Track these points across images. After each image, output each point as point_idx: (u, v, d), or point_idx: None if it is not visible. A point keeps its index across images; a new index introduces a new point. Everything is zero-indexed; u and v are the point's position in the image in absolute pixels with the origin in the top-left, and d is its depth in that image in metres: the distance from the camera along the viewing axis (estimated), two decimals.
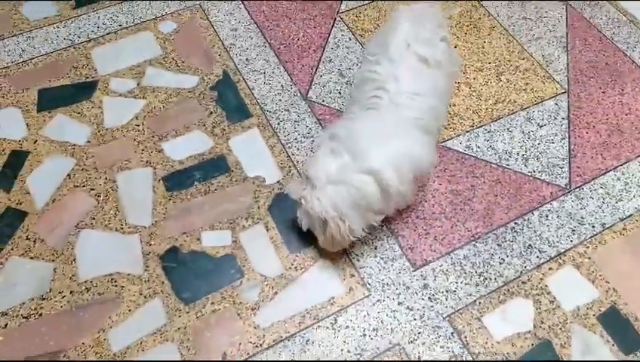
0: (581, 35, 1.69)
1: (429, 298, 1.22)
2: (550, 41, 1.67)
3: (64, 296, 1.18)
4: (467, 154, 1.44)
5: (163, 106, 1.48)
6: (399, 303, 1.21)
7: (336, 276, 1.24)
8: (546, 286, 1.24)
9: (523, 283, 1.24)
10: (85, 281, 1.21)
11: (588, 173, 1.41)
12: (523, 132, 1.48)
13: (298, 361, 1.13)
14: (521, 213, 1.35)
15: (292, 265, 1.25)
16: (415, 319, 1.19)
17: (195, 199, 1.34)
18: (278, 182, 1.38)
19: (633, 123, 1.50)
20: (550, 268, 1.26)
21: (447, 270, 1.26)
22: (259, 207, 1.33)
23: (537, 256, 1.28)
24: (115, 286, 1.20)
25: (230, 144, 1.43)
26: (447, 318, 1.19)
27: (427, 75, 1.23)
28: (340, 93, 1.53)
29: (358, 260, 1.27)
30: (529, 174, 1.41)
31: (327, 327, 1.17)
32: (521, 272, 1.26)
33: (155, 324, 1.16)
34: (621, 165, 1.43)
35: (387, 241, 1.30)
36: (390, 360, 1.14)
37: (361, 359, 1.13)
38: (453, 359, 1.14)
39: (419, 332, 1.17)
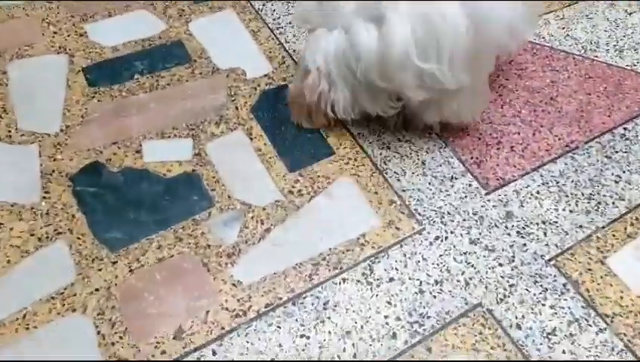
0: None
1: (518, 232, 0.75)
2: None
3: None
4: (538, 44, 1.00)
5: None
6: (472, 241, 0.74)
7: (367, 202, 0.76)
8: None
9: None
10: None
11: None
12: (608, 19, 1.06)
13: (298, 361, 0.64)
14: (631, 115, 0.91)
15: (294, 187, 0.77)
16: (502, 264, 0.72)
17: (135, 96, 0.85)
18: (266, 75, 0.90)
19: None
20: None
21: (538, 192, 0.80)
22: (237, 108, 0.85)
23: None
24: None
25: (191, 28, 0.95)
26: (552, 262, 0.73)
27: None
28: None
29: (399, 180, 0.79)
30: (629, 68, 0.98)
31: (359, 281, 0.69)
32: None
33: (56, 283, 0.66)
34: None
35: (439, 153, 0.83)
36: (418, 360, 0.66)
37: (421, 331, 0.65)
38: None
39: (511, 286, 0.70)
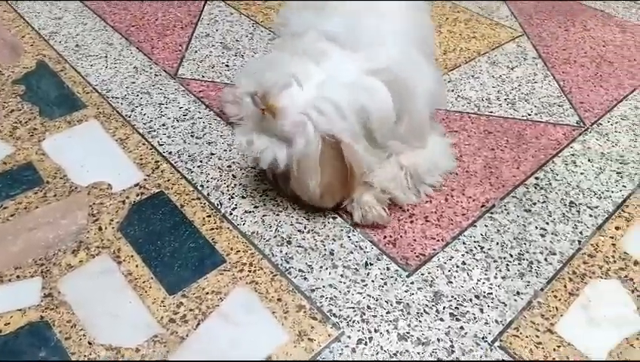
0: None
1: (452, 314, 0.63)
2: None
3: None
4: None
5: None
6: (402, 336, 0.61)
7: (269, 315, 0.62)
8: (626, 253, 0.72)
9: (591, 256, 0.71)
10: None
11: (597, 106, 0.99)
12: (493, 76, 1.06)
13: None
14: (539, 163, 0.86)
15: (176, 313, 0.61)
16: (440, 360, 0.59)
17: None
18: (137, 185, 0.77)
19: (616, 52, 1.15)
20: (617, 227, 0.76)
21: (464, 263, 0.70)
22: (101, 228, 0.70)
23: (590, 215, 0.77)
24: None
25: (45, 146, 0.82)
26: (496, 343, 0.61)
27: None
28: (227, 65, 1.02)
29: (305, 278, 0.66)
30: (524, 118, 0.95)
31: None
32: (580, 242, 0.73)
33: None
34: (631, 92, 1.03)
35: (348, 238, 0.72)
36: None
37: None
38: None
39: None
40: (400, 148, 0.76)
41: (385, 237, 0.72)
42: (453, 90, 1.01)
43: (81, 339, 0.58)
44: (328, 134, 0.66)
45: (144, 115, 0.90)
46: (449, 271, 0.69)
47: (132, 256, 0.67)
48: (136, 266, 0.66)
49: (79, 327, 0.59)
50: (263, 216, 0.74)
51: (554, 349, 0.60)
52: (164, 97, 0.94)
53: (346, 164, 0.69)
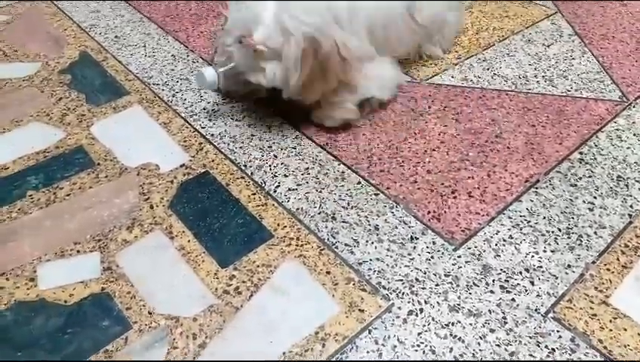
0: None
1: (502, 287, 0.63)
2: None
3: None
4: (468, 87, 0.96)
5: None
6: (452, 308, 0.61)
7: (320, 287, 0.63)
8: None
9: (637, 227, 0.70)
10: None
11: None
12: (529, 54, 1.05)
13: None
14: (582, 139, 0.85)
15: (229, 285, 0.63)
16: (493, 330, 0.59)
17: (28, 216, 0.71)
18: (183, 165, 0.79)
19: None
20: None
21: (511, 236, 0.70)
22: (152, 206, 0.73)
23: (639, 188, 0.76)
24: None
25: (94, 131, 0.85)
26: (550, 314, 0.60)
27: None
28: None
29: (352, 252, 0.67)
30: (564, 95, 0.94)
31: None
32: (630, 216, 0.72)
33: None
34: None
35: (392, 214, 0.72)
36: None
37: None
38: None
39: (511, 354, 0.56)
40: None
41: (429, 212, 0.73)
42: (488, 69, 1.01)
43: (141, 309, 0.60)
44: (303, 32, 0.75)
45: (185, 100, 0.92)
46: (496, 244, 0.69)
47: (183, 232, 0.69)
48: (188, 241, 0.68)
49: (139, 298, 0.61)
50: (306, 193, 0.75)
51: (610, 321, 0.60)
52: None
53: (321, 60, 0.77)
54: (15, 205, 0.72)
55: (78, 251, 0.66)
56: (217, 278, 0.64)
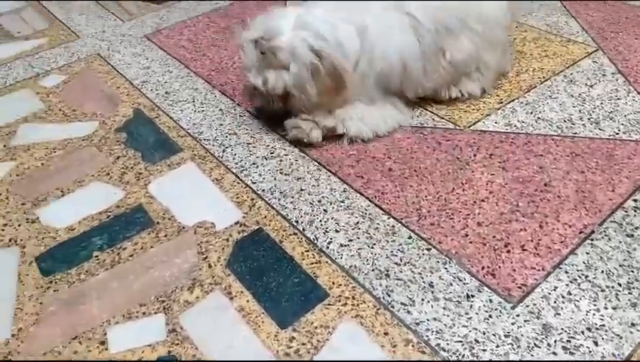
0: (580, 2, 1.38)
1: (564, 348, 0.62)
2: (548, 13, 1.34)
3: None
4: (513, 133, 0.96)
5: (42, 164, 0.95)
6: None
7: (379, 348, 0.64)
8: None
9: None
10: None
11: None
12: (572, 95, 1.05)
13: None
14: (634, 185, 0.84)
15: (290, 347, 0.64)
16: None
17: (95, 277, 0.75)
18: (237, 223, 0.82)
19: None
20: None
21: (569, 293, 0.69)
22: (211, 266, 0.75)
23: None
24: None
25: (151, 189, 0.89)
26: None
27: None
28: None
29: (409, 312, 0.68)
30: (612, 137, 0.94)
31: None
32: None
33: None
34: None
35: (446, 270, 0.73)
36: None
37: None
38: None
39: None
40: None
41: (483, 267, 0.73)
42: (532, 113, 1.01)
43: None
44: (314, 50, 0.86)
45: (235, 154, 0.95)
46: (555, 302, 0.68)
47: (242, 292, 0.71)
48: (247, 301, 0.70)
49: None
50: (359, 249, 0.77)
51: None
52: (251, 137, 0.99)
53: (330, 78, 0.88)
54: (82, 267, 0.76)
55: (143, 313, 0.69)
56: (277, 340, 0.65)
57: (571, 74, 1.11)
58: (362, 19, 0.92)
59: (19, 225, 0.84)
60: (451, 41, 0.96)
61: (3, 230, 0.83)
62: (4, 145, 1.00)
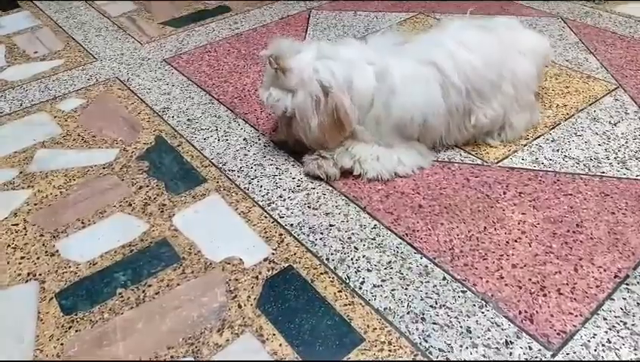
0: (597, 38, 1.39)
1: None
2: (566, 48, 1.35)
3: None
4: (541, 170, 0.95)
5: (60, 193, 0.93)
6: None
7: None
8: None
9: None
10: None
11: None
12: (597, 133, 1.04)
13: None
14: None
15: None
16: None
17: (119, 317, 0.72)
18: (266, 259, 0.80)
19: None
20: None
21: (609, 341, 0.67)
22: (240, 306, 0.73)
23: None
24: None
25: (176, 222, 0.87)
26: None
27: None
28: None
29: (447, 359, 0.66)
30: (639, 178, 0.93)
31: None
32: None
33: None
34: None
35: (482, 314, 0.71)
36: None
37: None
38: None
39: None
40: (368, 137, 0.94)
41: (520, 312, 0.71)
42: (558, 150, 1.00)
43: None
44: (322, 85, 0.86)
45: (261, 186, 0.94)
46: (595, 350, 0.66)
47: (274, 335, 0.69)
48: (280, 345, 0.68)
49: None
50: (392, 290, 0.75)
51: None
52: (277, 168, 0.98)
53: (330, 116, 0.87)
54: (106, 305, 0.74)
55: (172, 356, 0.67)
56: None
57: (594, 111, 1.11)
58: (387, 62, 0.90)
59: (37, 258, 0.81)
60: (480, 103, 0.94)
61: (21, 263, 0.81)
62: (21, 172, 0.98)
